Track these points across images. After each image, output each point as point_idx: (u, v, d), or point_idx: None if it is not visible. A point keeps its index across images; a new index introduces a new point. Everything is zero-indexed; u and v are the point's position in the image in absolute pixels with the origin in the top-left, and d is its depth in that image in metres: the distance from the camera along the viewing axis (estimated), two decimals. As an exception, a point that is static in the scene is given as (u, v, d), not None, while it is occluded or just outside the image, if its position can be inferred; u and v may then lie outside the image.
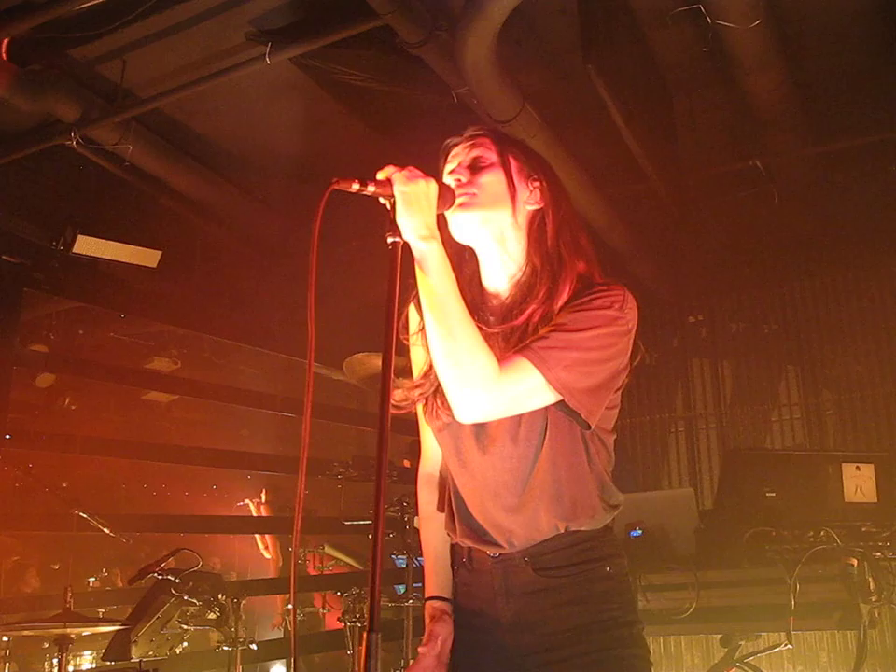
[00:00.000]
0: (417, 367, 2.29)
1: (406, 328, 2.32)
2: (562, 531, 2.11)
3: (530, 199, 2.23)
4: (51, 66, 5.31)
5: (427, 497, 2.41)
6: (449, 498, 2.29)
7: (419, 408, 2.28)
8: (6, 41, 4.98)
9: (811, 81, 5.77)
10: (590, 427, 2.06)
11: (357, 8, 4.62)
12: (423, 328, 2.18)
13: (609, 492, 2.18)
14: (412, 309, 2.29)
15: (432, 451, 2.40)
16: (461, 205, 2.12)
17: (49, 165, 5.99)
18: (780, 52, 5.15)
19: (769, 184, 6.59)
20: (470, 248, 2.24)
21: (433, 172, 2.30)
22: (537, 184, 2.25)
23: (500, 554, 2.15)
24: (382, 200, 1.93)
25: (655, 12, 5.26)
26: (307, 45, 4.96)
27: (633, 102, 5.58)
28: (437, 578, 2.33)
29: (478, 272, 2.27)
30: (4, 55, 5.00)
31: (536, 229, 2.22)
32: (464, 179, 2.17)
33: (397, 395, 2.23)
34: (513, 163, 2.23)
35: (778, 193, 6.71)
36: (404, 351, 2.32)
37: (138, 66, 5.48)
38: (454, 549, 2.31)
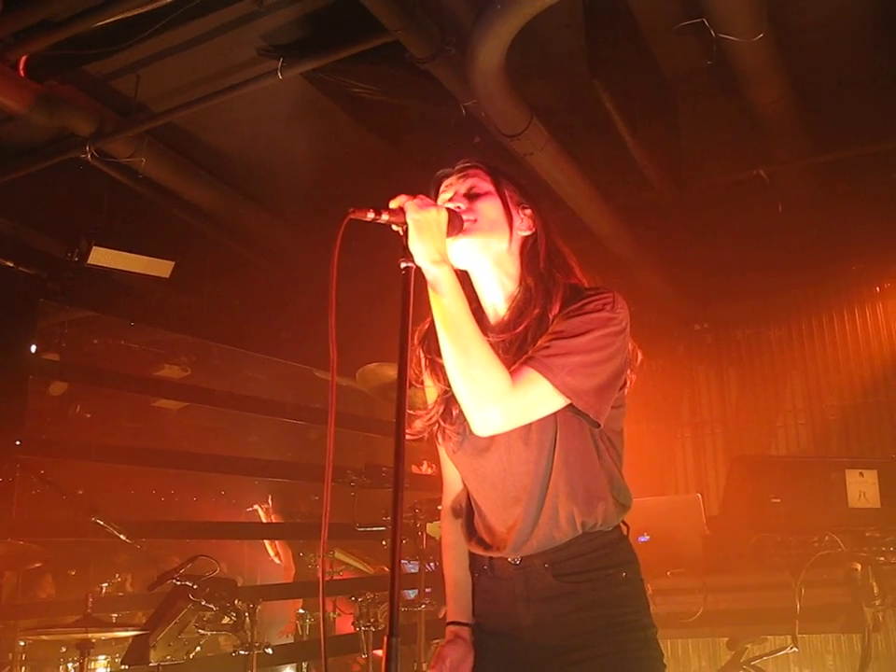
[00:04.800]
0: (431, 401, 2.40)
1: (416, 368, 2.41)
2: (580, 531, 2.20)
3: (522, 225, 2.34)
4: (67, 82, 5.39)
5: (450, 526, 2.51)
6: (470, 513, 2.39)
7: (440, 442, 2.38)
8: (24, 58, 5.06)
9: (813, 92, 5.81)
10: (599, 426, 2.15)
11: (367, 25, 4.67)
12: (428, 366, 2.34)
13: (619, 489, 2.27)
14: (420, 352, 2.40)
15: (454, 483, 2.51)
16: (463, 230, 2.21)
17: (65, 178, 6.04)
18: (783, 64, 5.20)
19: (773, 193, 6.65)
20: (465, 274, 2.33)
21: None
22: (527, 211, 2.37)
23: (522, 560, 2.24)
24: (395, 227, 2.02)
25: (660, 26, 5.31)
26: (318, 60, 5.01)
27: (638, 113, 5.65)
28: (456, 604, 2.43)
29: (474, 294, 2.37)
30: (22, 72, 5.09)
31: (528, 252, 2.34)
32: (463, 207, 2.26)
33: (416, 424, 2.34)
34: (507, 192, 2.35)
35: (782, 202, 6.76)
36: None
37: (152, 81, 5.54)
38: (474, 557, 2.40)
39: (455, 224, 2.15)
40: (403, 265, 1.97)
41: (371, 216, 1.96)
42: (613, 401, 2.20)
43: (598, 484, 2.23)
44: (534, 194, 2.44)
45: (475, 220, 2.25)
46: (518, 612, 2.25)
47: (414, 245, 1.99)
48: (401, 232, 2.00)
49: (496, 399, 2.05)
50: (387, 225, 2.01)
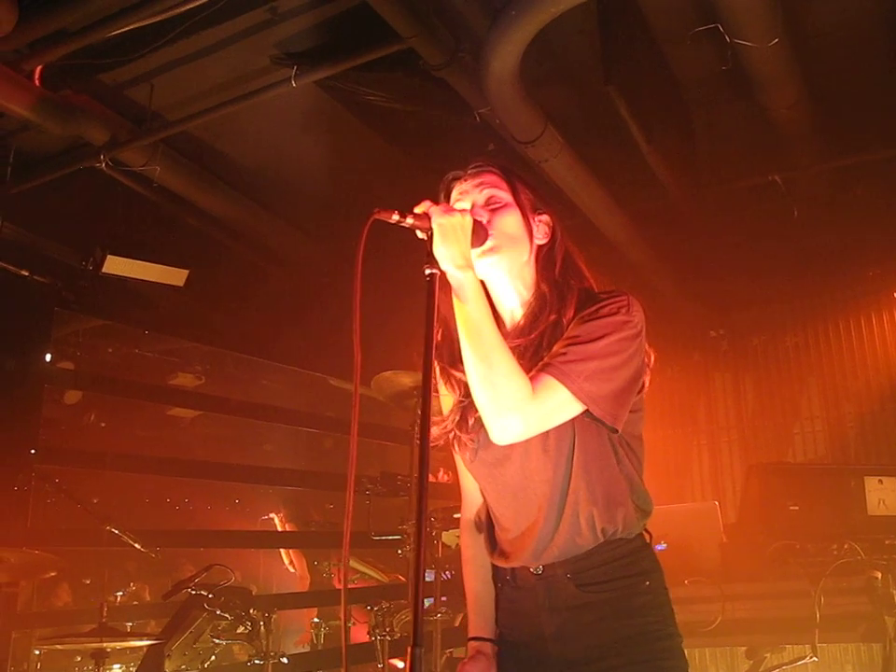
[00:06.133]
0: (446, 409, 2.37)
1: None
2: (601, 538, 2.17)
3: (538, 233, 2.32)
4: (82, 91, 5.41)
5: (468, 540, 2.49)
6: (490, 526, 2.37)
7: (456, 451, 2.36)
8: (39, 68, 5.08)
9: (829, 97, 5.79)
10: (617, 431, 2.13)
11: (381, 32, 4.68)
12: (443, 375, 2.32)
13: (640, 494, 2.24)
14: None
15: (472, 495, 2.48)
16: (486, 251, 2.19)
17: (79, 187, 6.06)
18: (798, 69, 5.19)
19: (788, 198, 6.62)
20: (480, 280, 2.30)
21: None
22: (543, 217, 2.34)
23: (544, 570, 2.21)
24: (419, 233, 2.00)
25: (674, 31, 5.30)
26: (332, 68, 5.02)
27: (653, 120, 5.64)
28: (477, 619, 2.40)
29: (489, 300, 2.32)
30: (37, 81, 5.11)
31: (543, 259, 2.32)
32: (484, 220, 2.22)
33: (432, 431, 2.30)
34: (524, 198, 2.32)
35: (798, 207, 6.73)
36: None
37: (166, 90, 5.56)
38: (497, 568, 2.37)
39: (480, 234, 2.13)
40: (428, 271, 1.95)
41: (395, 217, 1.94)
42: (631, 406, 2.18)
43: (618, 490, 2.20)
44: (545, 196, 2.41)
45: (496, 236, 2.21)
46: (541, 622, 2.22)
47: (439, 249, 1.97)
48: (426, 238, 1.99)
49: (515, 407, 2.02)
50: (411, 229, 2.00)
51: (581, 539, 2.18)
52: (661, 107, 5.86)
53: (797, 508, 4.63)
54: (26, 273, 6.07)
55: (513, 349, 2.17)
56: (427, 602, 5.82)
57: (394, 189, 6.43)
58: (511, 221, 2.27)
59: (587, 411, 2.09)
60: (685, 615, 4.37)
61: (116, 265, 6.11)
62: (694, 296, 7.99)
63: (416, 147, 6.42)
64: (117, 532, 5.21)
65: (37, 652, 6.21)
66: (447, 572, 5.56)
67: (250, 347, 7.96)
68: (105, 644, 4.56)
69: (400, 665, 6.33)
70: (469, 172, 2.34)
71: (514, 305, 2.32)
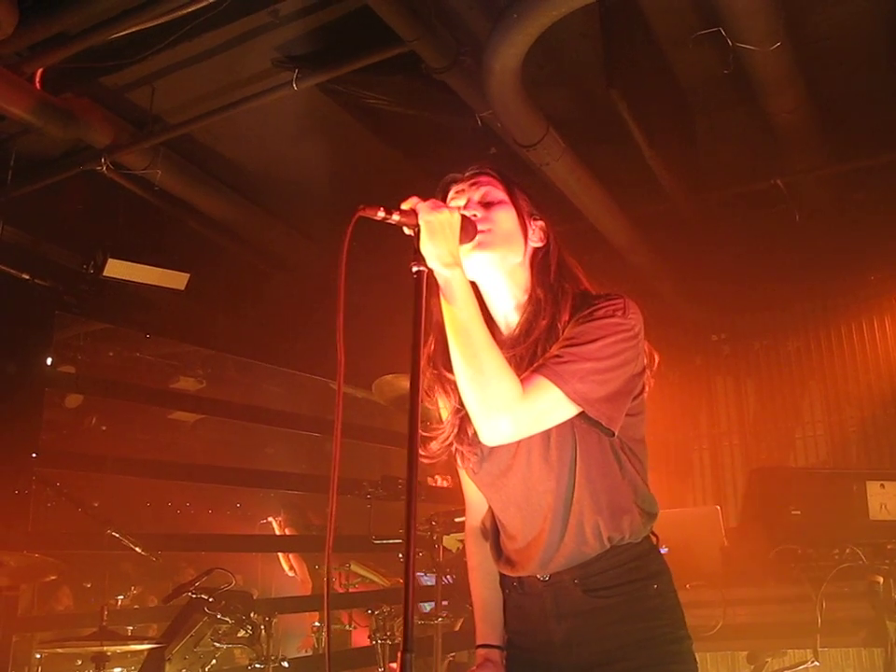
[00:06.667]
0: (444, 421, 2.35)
1: (429, 392, 2.35)
2: (607, 545, 2.16)
3: (534, 237, 2.31)
4: (83, 94, 5.40)
5: (473, 548, 2.49)
6: (496, 534, 2.36)
7: (460, 464, 2.35)
8: (40, 71, 5.08)
9: (831, 101, 5.78)
10: (613, 434, 2.11)
11: (382, 35, 4.67)
12: (438, 385, 2.29)
13: (644, 497, 2.23)
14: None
15: (476, 503, 2.48)
16: (479, 244, 2.16)
17: (80, 190, 6.05)
18: (800, 73, 5.18)
19: (790, 203, 6.61)
20: (474, 285, 2.26)
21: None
22: (539, 222, 2.33)
23: (550, 577, 2.20)
24: (406, 230, 1.98)
25: (677, 35, 5.29)
26: (334, 71, 5.02)
27: (655, 123, 5.62)
28: (485, 626, 2.40)
29: (484, 306, 2.31)
30: (38, 84, 5.10)
31: (539, 263, 2.30)
32: (479, 215, 2.21)
33: (432, 446, 2.30)
34: (520, 201, 2.31)
35: (800, 212, 6.72)
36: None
37: (167, 93, 5.54)
38: (503, 575, 2.36)
39: (469, 231, 2.10)
40: (415, 269, 1.92)
41: (381, 214, 1.92)
42: (630, 409, 2.17)
43: (622, 496, 2.19)
44: (543, 205, 2.40)
45: (490, 231, 2.20)
46: (549, 629, 2.21)
47: (426, 247, 1.94)
48: (413, 235, 1.96)
49: (505, 408, 2.00)
50: (398, 226, 1.97)
51: (588, 548, 2.16)
52: (663, 111, 5.85)
53: (799, 512, 4.64)
54: (27, 277, 6.06)
55: (510, 358, 2.14)
56: (427, 606, 5.81)
57: (395, 192, 6.41)
58: (505, 217, 2.25)
59: (583, 414, 2.07)
60: (686, 619, 4.38)
61: (117, 268, 6.10)
62: (696, 300, 7.99)
63: (418, 150, 6.41)
64: (117, 536, 5.19)
65: (38, 656, 6.17)
66: (448, 576, 5.55)
67: (251, 351, 7.96)
68: (105, 648, 4.54)
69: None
70: (467, 175, 2.34)
71: (508, 309, 2.30)
